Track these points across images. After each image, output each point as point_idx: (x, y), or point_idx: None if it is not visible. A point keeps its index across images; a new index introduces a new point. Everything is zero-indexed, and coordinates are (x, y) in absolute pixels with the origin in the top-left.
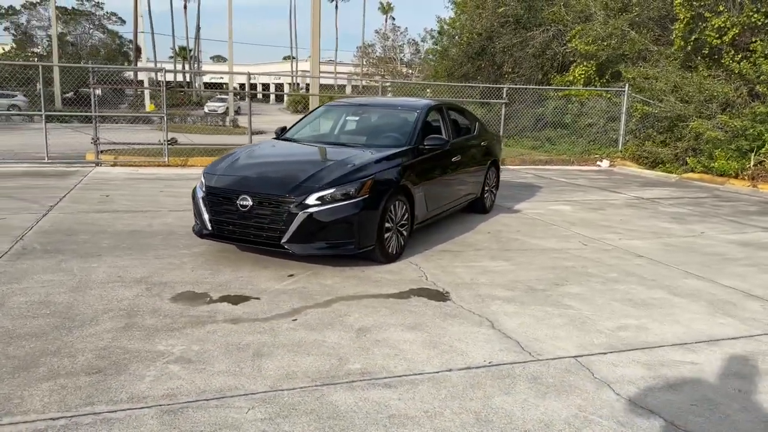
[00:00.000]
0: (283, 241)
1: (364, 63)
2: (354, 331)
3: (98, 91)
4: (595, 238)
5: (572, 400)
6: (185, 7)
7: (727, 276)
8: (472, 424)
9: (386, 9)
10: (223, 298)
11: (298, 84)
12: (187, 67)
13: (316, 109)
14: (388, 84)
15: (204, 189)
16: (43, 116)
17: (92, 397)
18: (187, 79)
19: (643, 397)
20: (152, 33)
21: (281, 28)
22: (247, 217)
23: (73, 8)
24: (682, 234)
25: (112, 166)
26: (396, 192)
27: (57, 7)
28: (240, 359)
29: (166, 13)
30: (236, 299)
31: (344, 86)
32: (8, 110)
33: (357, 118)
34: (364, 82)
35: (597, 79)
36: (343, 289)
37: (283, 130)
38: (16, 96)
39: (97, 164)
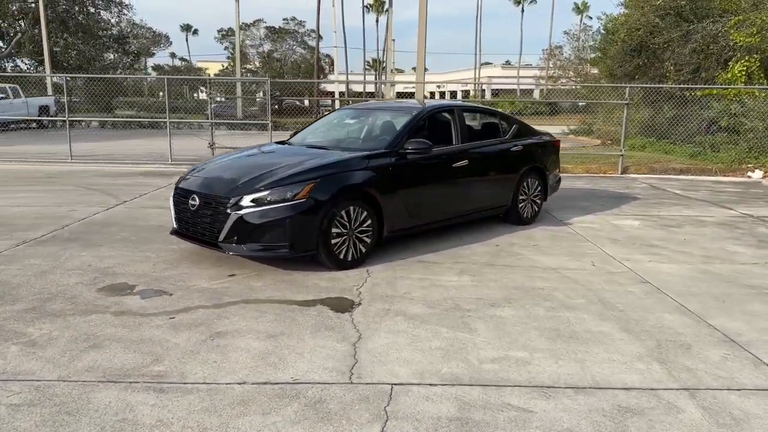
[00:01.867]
0: (219, 240)
1: (550, 66)
2: (208, 335)
3: (218, 99)
4: (618, 258)
5: (326, 429)
6: (377, 21)
7: (734, 315)
8: None
9: (581, 9)
10: (143, 292)
11: (483, 90)
12: (372, 78)
13: (330, 113)
14: (570, 87)
15: (174, 189)
16: (168, 123)
17: None
18: (377, 90)
19: None
20: (345, 47)
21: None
22: (196, 216)
23: (279, 27)
24: (745, 261)
25: None
26: (351, 197)
27: (266, 27)
28: (70, 349)
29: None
30: (151, 293)
31: (531, 90)
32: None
33: (353, 122)
34: (548, 85)
35: (763, 76)
36: (261, 292)
37: (293, 135)
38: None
39: None
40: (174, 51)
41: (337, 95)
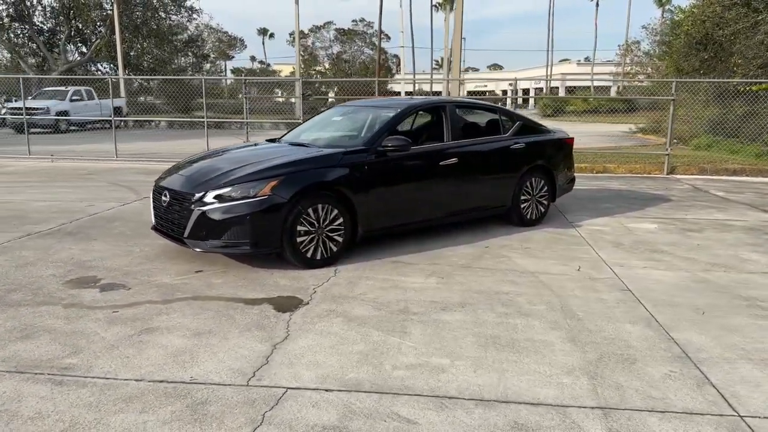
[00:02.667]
0: (184, 236)
1: (627, 62)
2: (137, 330)
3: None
4: (610, 263)
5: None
6: (446, 19)
7: (706, 329)
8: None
9: (663, 1)
10: (105, 285)
11: (556, 88)
12: (440, 78)
13: (327, 110)
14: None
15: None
16: (205, 122)
17: None
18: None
19: None
20: (413, 47)
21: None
22: (167, 212)
23: (348, 29)
24: (753, 270)
25: None
26: (319, 195)
27: (336, 29)
28: (2, 339)
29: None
30: (112, 286)
31: (608, 88)
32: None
33: (340, 120)
34: (624, 82)
35: None
36: (217, 288)
37: (285, 133)
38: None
39: None
40: (254, 54)
41: (403, 95)
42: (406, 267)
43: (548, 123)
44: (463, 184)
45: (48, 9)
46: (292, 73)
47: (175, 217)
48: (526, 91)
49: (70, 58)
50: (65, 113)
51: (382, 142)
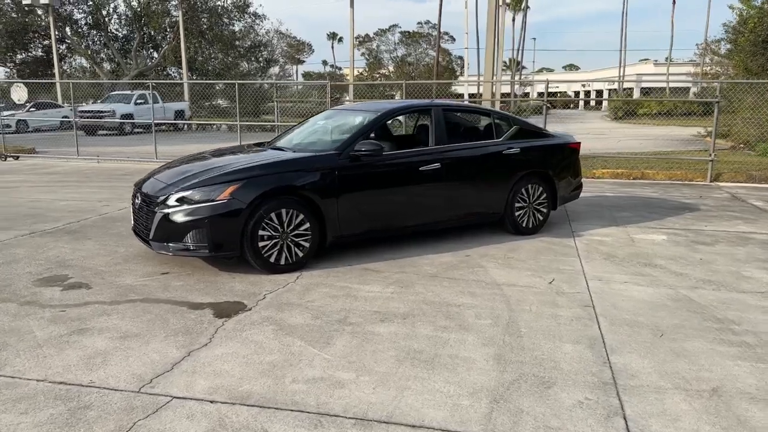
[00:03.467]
0: (149, 238)
1: (706, 62)
2: (71, 330)
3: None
4: (590, 277)
5: None
6: (513, 20)
7: (653, 353)
8: None
9: None
10: (70, 285)
11: (630, 89)
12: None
13: (317, 114)
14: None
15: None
16: (238, 126)
17: None
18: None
19: None
20: (477, 48)
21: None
22: (138, 214)
23: (413, 31)
24: (747, 290)
25: None
26: (283, 199)
27: (401, 32)
28: None
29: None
30: (75, 286)
31: (687, 89)
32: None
33: (325, 124)
34: (703, 83)
35: None
36: (171, 291)
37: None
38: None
39: None
40: (326, 58)
41: (466, 96)
42: (372, 274)
43: (617, 126)
44: (447, 191)
45: (123, 17)
46: (357, 77)
47: (144, 219)
48: (599, 93)
49: (141, 64)
50: (130, 116)
51: (355, 146)
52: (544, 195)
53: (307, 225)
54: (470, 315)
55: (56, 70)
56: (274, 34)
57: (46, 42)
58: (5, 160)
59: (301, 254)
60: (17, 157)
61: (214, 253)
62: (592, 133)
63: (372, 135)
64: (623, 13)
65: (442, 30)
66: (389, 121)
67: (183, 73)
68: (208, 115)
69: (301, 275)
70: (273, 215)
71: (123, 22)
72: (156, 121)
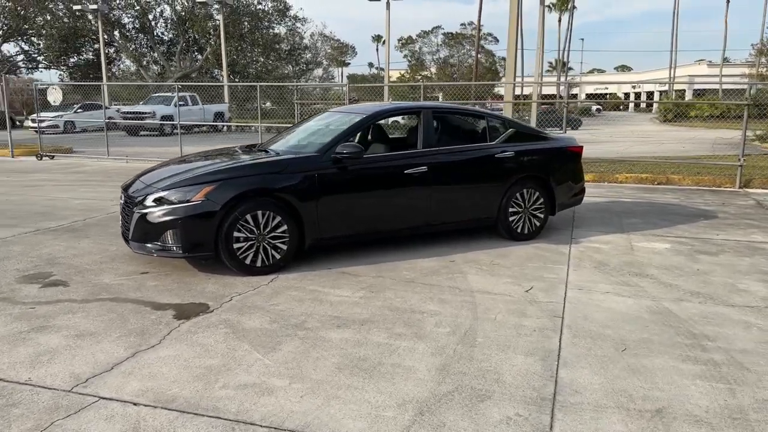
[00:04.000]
0: (129, 238)
1: (762, 62)
2: (32, 327)
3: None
4: (572, 286)
5: None
6: (559, 20)
7: (607, 368)
8: None
9: None
10: (51, 282)
11: (683, 91)
12: (555, 81)
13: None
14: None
15: None
16: (260, 127)
17: None
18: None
19: None
20: (521, 49)
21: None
22: (123, 214)
23: (456, 33)
24: (737, 303)
25: None
26: (259, 201)
27: (444, 34)
28: None
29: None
30: (55, 283)
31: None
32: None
33: (316, 126)
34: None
35: None
36: (143, 291)
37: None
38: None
39: None
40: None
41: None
42: (348, 278)
43: (664, 128)
44: (435, 195)
45: (168, 21)
46: (399, 78)
47: (126, 219)
48: (650, 95)
49: (186, 66)
50: (170, 117)
51: (336, 149)
52: (541, 200)
53: (285, 227)
54: (431, 323)
55: (103, 73)
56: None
57: (97, 46)
58: (41, 159)
59: (278, 257)
60: (53, 157)
61: (189, 253)
62: (636, 136)
63: (353, 138)
64: (674, 13)
65: (486, 31)
66: (383, 123)
67: (223, 76)
68: (252, 117)
69: (276, 278)
70: (249, 217)
71: (168, 26)
72: (192, 123)
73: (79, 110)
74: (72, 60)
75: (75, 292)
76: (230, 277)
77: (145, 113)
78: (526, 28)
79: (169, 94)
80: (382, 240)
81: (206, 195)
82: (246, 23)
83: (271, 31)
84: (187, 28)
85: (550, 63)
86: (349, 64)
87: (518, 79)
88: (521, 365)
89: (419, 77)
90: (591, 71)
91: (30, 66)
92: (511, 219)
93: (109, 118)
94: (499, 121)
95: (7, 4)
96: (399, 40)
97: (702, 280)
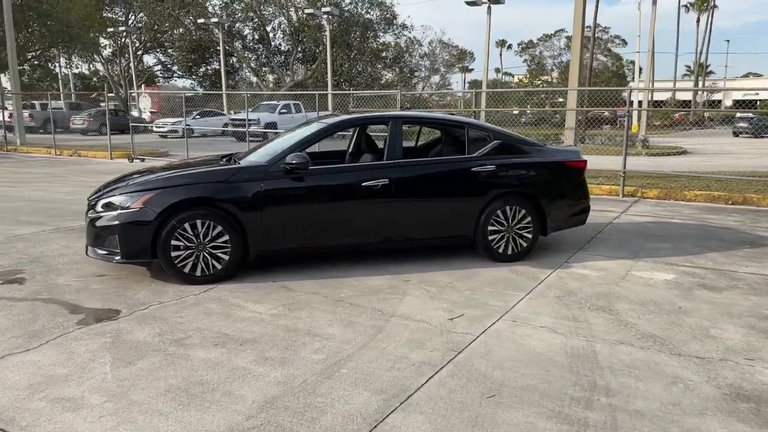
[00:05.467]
0: (87, 243)
1: None
2: None
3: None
4: (508, 317)
5: None
6: (698, 20)
7: (452, 415)
8: None
9: None
10: (13, 280)
11: None
12: (693, 85)
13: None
14: None
15: None
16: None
17: None
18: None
19: None
20: (652, 52)
21: None
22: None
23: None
24: (695, 353)
25: None
26: (199, 211)
27: (567, 37)
28: None
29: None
30: (17, 281)
31: None
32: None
33: (289, 135)
34: None
35: None
36: (80, 294)
37: None
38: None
39: None
40: (498, 66)
41: (641, 104)
42: (280, 293)
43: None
44: (398, 210)
45: (284, 32)
46: (517, 84)
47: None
48: None
49: (298, 75)
50: (273, 125)
51: (286, 159)
52: (528, 219)
53: (226, 237)
54: (311, 348)
55: (223, 83)
56: (436, 44)
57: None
58: (132, 161)
59: (219, 266)
60: (143, 159)
61: (126, 260)
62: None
63: (300, 150)
64: None
65: (613, 33)
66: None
67: (328, 84)
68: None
69: (213, 288)
70: (187, 226)
71: (284, 37)
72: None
73: (197, 116)
74: (201, 70)
75: (22, 290)
76: (172, 286)
77: (251, 121)
78: (659, 29)
79: (274, 102)
80: (350, 253)
81: (144, 203)
82: (355, 32)
83: (377, 40)
84: (302, 38)
85: (687, 67)
86: (472, 69)
87: (643, 84)
88: (357, 404)
89: (538, 82)
90: (745, 75)
91: (166, 75)
92: (491, 238)
93: (225, 125)
94: (482, 132)
95: (144, 19)
96: (519, 44)
97: (672, 321)
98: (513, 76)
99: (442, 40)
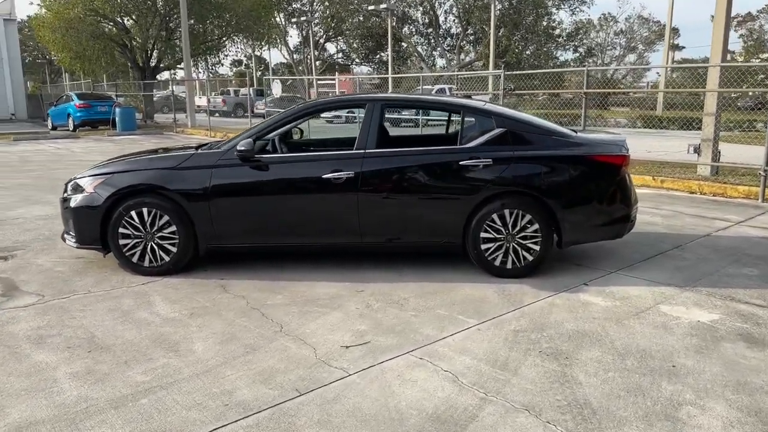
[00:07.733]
0: None
1: None
2: None
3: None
4: (428, 353)
5: None
6: None
7: None
8: None
9: None
10: (4, 256)
11: None
12: None
13: None
14: None
15: None
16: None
17: None
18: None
19: None
20: None
21: None
22: None
23: None
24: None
25: None
26: (146, 199)
27: None
28: None
29: None
30: (5, 258)
31: None
32: None
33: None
34: None
35: None
36: (33, 275)
37: None
38: None
39: None
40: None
41: None
42: (211, 295)
43: None
44: (365, 208)
45: (453, 14)
46: (729, 61)
47: None
48: None
49: (464, 58)
50: None
51: (237, 146)
52: (535, 226)
53: (173, 228)
54: (147, 367)
55: (389, 68)
56: (635, 19)
57: (397, 43)
58: None
59: (167, 258)
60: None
61: (80, 245)
62: None
63: (269, 136)
64: None
65: None
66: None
67: (489, 66)
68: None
69: (155, 281)
70: (134, 214)
71: (454, 20)
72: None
73: None
74: (376, 57)
75: None
76: (120, 275)
77: None
78: None
79: (428, 86)
80: (330, 252)
81: (95, 188)
82: (528, 12)
83: (551, 17)
84: (471, 20)
85: None
86: (683, 47)
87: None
88: None
89: (757, 59)
90: None
91: (346, 63)
92: (484, 247)
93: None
94: (483, 118)
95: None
96: (734, 18)
97: (639, 385)
98: (732, 53)
99: (641, 15)
